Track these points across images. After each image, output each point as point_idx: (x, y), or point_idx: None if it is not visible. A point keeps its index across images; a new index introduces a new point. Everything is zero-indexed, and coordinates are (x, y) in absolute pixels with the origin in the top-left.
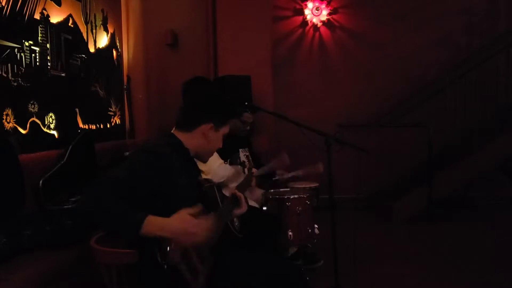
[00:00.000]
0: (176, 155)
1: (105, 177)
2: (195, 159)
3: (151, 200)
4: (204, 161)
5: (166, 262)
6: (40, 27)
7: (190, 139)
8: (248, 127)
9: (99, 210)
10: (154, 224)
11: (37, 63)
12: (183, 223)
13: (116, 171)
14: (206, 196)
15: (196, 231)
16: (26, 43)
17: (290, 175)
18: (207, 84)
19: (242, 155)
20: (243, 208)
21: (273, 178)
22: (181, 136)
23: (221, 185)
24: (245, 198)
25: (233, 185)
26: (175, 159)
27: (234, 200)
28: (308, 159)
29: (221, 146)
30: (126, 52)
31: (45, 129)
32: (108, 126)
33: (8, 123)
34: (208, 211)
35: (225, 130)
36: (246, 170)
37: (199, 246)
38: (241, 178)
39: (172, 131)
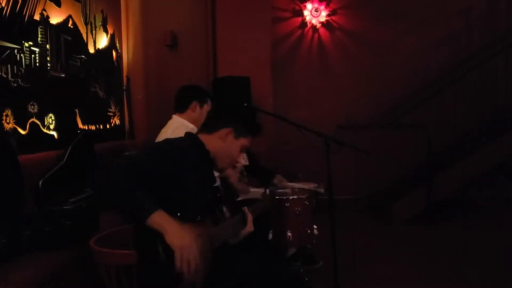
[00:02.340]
0: (193, 151)
1: (123, 157)
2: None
3: (162, 187)
4: (219, 167)
5: (166, 254)
6: (40, 28)
7: (210, 141)
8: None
9: (114, 187)
10: (162, 217)
11: (37, 64)
12: (185, 233)
13: (134, 154)
14: (218, 202)
15: (192, 245)
16: (26, 44)
17: (288, 185)
18: (200, 91)
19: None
20: (249, 228)
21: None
22: (203, 138)
23: None
24: (252, 218)
25: None
26: (191, 154)
27: (243, 219)
28: (307, 159)
29: (238, 158)
30: (126, 53)
31: (44, 130)
32: (108, 126)
33: (8, 123)
34: (215, 221)
35: (244, 142)
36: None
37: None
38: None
39: (196, 134)
